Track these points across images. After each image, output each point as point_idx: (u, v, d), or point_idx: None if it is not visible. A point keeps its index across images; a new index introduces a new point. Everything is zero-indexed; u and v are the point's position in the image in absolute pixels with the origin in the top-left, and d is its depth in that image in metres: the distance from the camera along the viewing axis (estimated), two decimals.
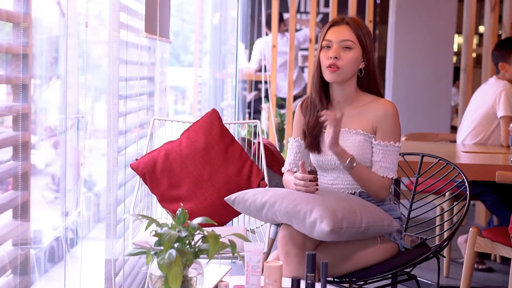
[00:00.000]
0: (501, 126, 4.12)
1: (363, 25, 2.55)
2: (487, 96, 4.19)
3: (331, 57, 2.50)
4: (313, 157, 2.61)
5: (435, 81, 5.64)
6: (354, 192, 2.56)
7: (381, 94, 2.61)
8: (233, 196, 2.53)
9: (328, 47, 2.53)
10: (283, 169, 2.69)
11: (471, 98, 4.44)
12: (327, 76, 2.52)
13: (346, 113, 2.56)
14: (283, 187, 2.69)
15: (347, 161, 2.45)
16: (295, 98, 6.27)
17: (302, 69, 7.43)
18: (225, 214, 2.98)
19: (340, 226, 2.27)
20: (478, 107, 4.24)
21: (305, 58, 7.68)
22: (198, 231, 1.96)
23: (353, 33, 2.52)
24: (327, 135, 2.43)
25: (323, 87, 2.58)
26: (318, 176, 2.63)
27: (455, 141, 4.52)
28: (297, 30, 7.49)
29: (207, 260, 1.97)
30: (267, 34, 6.43)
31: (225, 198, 2.56)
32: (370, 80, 2.58)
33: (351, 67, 2.52)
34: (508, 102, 4.09)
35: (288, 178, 2.63)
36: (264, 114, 5.99)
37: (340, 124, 2.42)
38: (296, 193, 2.40)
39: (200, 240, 1.97)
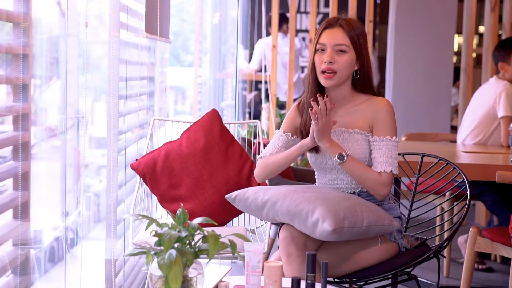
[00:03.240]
0: (501, 126, 4.11)
1: (357, 25, 2.53)
2: (487, 96, 4.19)
3: (325, 62, 2.50)
4: (310, 156, 2.60)
5: (435, 81, 5.63)
6: (354, 192, 2.55)
7: (375, 93, 2.60)
8: (234, 194, 2.52)
9: (322, 50, 2.52)
10: (261, 155, 2.63)
11: (472, 98, 4.44)
12: (323, 81, 2.52)
13: (342, 113, 2.56)
14: None
15: (337, 155, 2.44)
16: (294, 101, 6.27)
17: (302, 69, 7.42)
18: (225, 214, 2.98)
19: (342, 225, 2.27)
20: (478, 107, 4.24)
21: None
22: (198, 231, 1.96)
23: (347, 36, 2.50)
24: (315, 126, 2.43)
25: (318, 89, 2.57)
26: (316, 175, 2.64)
27: (455, 141, 4.52)
28: (301, 31, 7.50)
29: (207, 260, 1.97)
30: (268, 35, 6.43)
31: (226, 196, 2.55)
32: (364, 81, 2.57)
33: (346, 70, 2.51)
34: (508, 102, 4.08)
35: (270, 159, 2.59)
36: (264, 114, 6.00)
37: (330, 115, 2.41)
38: (297, 193, 2.40)
39: (200, 240, 1.97)
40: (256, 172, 2.64)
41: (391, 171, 2.48)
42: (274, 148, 2.62)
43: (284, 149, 2.60)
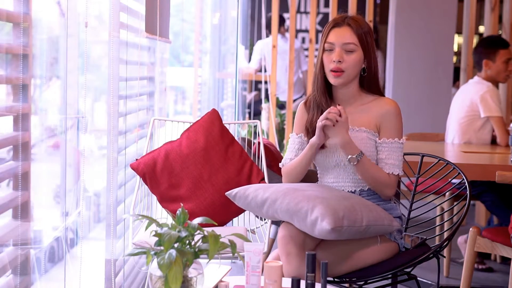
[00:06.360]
0: (494, 127, 4.15)
1: (364, 24, 2.56)
2: (469, 96, 4.24)
3: (334, 61, 2.51)
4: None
5: (435, 81, 5.63)
6: (355, 190, 2.56)
7: (382, 93, 2.62)
8: (234, 191, 2.53)
9: (331, 49, 2.54)
10: (281, 164, 2.67)
11: (454, 98, 4.47)
12: (332, 80, 2.55)
13: (349, 112, 2.57)
14: None
15: (354, 156, 2.45)
16: (294, 101, 6.27)
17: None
18: (225, 214, 2.98)
19: (341, 224, 2.28)
20: (461, 108, 4.29)
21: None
22: (198, 231, 1.96)
23: (355, 35, 2.52)
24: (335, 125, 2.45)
25: (326, 88, 2.59)
26: (319, 173, 2.64)
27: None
28: (301, 31, 7.50)
29: (207, 260, 1.97)
30: (267, 36, 6.44)
31: (226, 193, 2.56)
32: (371, 79, 2.59)
33: (354, 69, 2.54)
34: (494, 103, 4.14)
35: (289, 165, 2.61)
36: (264, 114, 5.99)
37: (346, 114, 2.45)
38: (297, 191, 2.41)
39: (200, 240, 1.97)
40: (283, 181, 2.66)
41: (398, 173, 2.53)
42: (292, 152, 2.65)
43: (301, 151, 2.62)
